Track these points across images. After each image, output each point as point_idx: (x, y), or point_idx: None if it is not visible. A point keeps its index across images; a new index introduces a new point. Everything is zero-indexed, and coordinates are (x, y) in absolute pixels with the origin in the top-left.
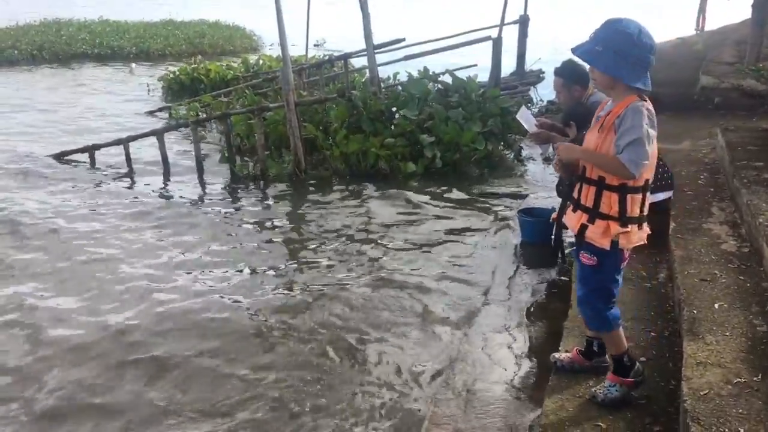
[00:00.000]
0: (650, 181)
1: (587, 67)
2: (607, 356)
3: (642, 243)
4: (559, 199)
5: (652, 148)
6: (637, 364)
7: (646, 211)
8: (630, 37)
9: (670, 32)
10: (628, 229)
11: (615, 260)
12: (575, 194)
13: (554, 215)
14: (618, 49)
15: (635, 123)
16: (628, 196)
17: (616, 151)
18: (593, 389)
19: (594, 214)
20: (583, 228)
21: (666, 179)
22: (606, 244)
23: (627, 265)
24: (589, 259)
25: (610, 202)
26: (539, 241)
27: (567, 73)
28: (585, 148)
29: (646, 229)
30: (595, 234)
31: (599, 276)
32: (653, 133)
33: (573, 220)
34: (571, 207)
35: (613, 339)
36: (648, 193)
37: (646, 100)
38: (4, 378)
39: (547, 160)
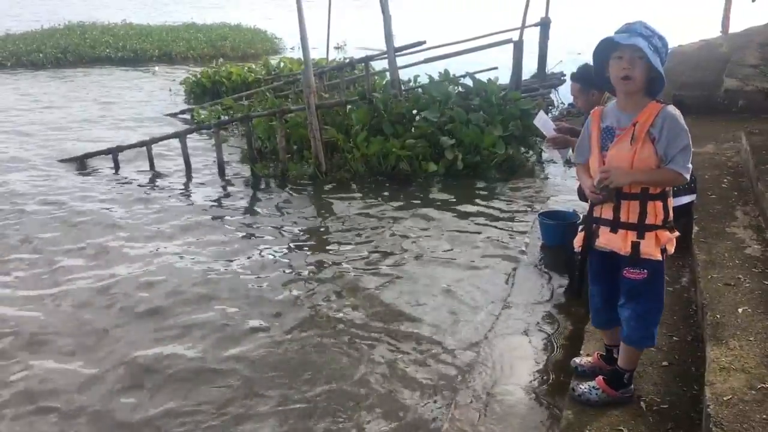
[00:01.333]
0: None
1: (617, 63)
2: (617, 365)
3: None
4: (580, 202)
5: None
6: (632, 386)
7: None
8: (666, 43)
9: (694, 34)
10: (677, 233)
11: (663, 268)
12: (608, 214)
13: (578, 243)
14: (658, 49)
15: (681, 129)
16: (668, 200)
17: (664, 160)
18: (576, 383)
19: (642, 228)
20: (635, 246)
21: (690, 182)
22: (659, 255)
23: None
24: (639, 273)
25: (655, 212)
26: (560, 243)
27: (584, 78)
28: (640, 168)
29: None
30: (649, 247)
31: (654, 286)
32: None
33: (618, 241)
34: (608, 228)
35: (635, 355)
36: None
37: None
38: None
39: (568, 162)
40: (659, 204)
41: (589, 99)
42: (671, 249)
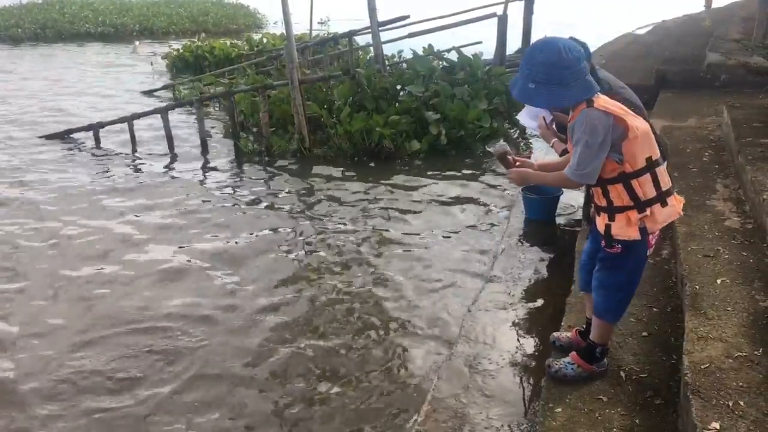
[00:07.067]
0: (654, 158)
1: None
2: (589, 339)
3: (673, 219)
4: None
5: (604, 147)
6: (606, 359)
7: (666, 186)
8: (554, 64)
9: (678, 9)
10: (647, 213)
11: (642, 246)
12: (596, 199)
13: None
14: (548, 78)
15: (585, 129)
16: (632, 182)
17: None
18: (550, 359)
19: (611, 210)
20: (608, 228)
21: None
22: (635, 235)
23: None
24: (614, 247)
25: (618, 194)
26: (543, 218)
27: None
28: (535, 173)
29: (674, 202)
30: (620, 229)
31: (626, 262)
32: (595, 140)
33: (600, 224)
34: (596, 212)
35: (605, 329)
36: (662, 167)
37: (593, 102)
38: None
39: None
40: (619, 186)
41: None
42: (652, 226)
